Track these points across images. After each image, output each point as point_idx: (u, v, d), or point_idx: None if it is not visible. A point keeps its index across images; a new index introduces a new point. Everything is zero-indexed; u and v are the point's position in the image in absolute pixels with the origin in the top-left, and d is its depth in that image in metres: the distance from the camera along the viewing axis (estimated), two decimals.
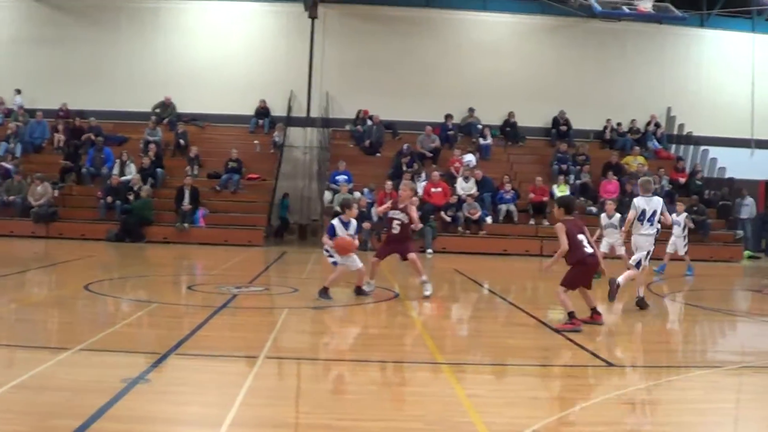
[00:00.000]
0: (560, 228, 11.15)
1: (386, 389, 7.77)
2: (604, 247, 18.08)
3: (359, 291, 13.92)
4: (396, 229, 14.20)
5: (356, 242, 13.66)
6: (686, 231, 20.98)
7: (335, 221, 13.70)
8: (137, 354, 8.72)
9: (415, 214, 14.58)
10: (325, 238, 13.54)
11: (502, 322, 12.77)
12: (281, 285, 16.87)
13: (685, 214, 21.10)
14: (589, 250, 11.29)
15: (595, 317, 11.47)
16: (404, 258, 14.29)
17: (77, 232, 26.20)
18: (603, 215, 18.96)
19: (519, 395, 7.62)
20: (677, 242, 20.90)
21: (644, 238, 13.66)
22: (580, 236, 11.23)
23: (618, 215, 18.67)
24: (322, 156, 31.17)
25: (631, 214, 13.77)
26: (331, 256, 13.50)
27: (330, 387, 8.00)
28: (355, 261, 13.53)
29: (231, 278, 16.93)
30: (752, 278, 20.53)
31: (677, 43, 34.38)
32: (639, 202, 13.85)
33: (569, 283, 11.23)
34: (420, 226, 17.65)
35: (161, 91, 31.79)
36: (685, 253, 20.82)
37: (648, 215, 13.61)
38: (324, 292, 13.31)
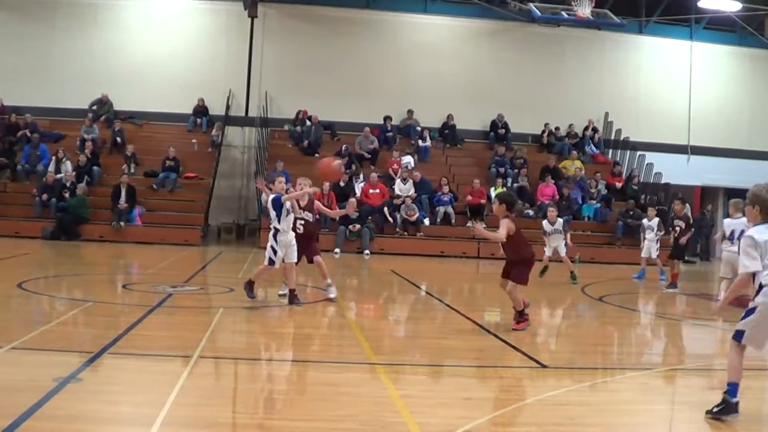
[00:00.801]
0: (507, 223, 11.11)
1: (319, 389, 7.74)
2: (548, 252, 18.46)
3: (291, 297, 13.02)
4: (300, 229, 13.33)
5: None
6: (659, 236, 21.17)
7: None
8: (70, 353, 8.62)
9: (325, 208, 14.45)
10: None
11: (437, 324, 12.80)
12: (217, 284, 16.79)
13: (657, 219, 21.31)
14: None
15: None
16: (310, 261, 13.62)
17: (12, 230, 25.77)
18: (545, 222, 19.15)
19: (452, 396, 7.64)
20: (651, 246, 21.10)
21: (731, 254, 14.63)
22: None
23: (560, 220, 18.94)
24: (260, 156, 31.03)
25: (720, 235, 15.37)
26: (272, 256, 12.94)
27: (264, 387, 7.97)
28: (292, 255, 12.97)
29: (167, 277, 16.77)
30: (687, 282, 20.80)
31: (616, 50, 34.77)
32: (727, 223, 15.40)
33: (525, 279, 11.29)
34: (339, 213, 17.71)
35: (98, 88, 31.39)
36: (657, 257, 21.03)
37: (737, 235, 14.44)
38: (249, 288, 13.16)
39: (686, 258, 20.02)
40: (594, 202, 29.53)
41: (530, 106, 33.35)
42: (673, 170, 32.95)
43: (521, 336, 10.91)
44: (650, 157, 33.29)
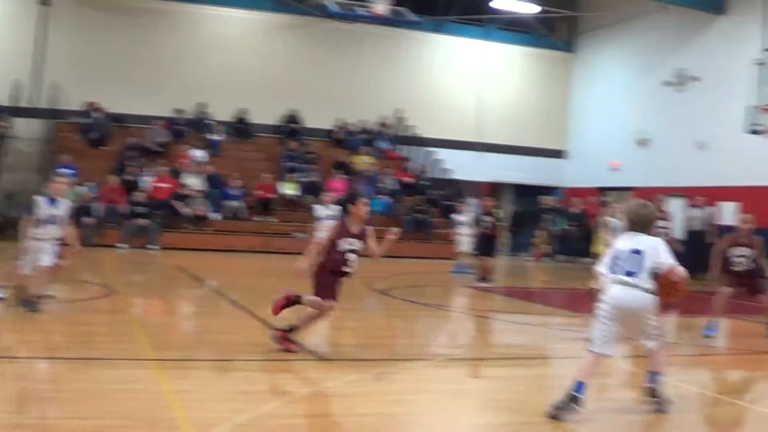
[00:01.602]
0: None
1: (95, 387, 7.46)
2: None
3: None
4: None
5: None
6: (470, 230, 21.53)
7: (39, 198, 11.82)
8: None
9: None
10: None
11: (221, 319, 12.62)
12: None
13: (470, 214, 21.66)
14: None
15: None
16: None
17: None
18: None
19: (229, 390, 7.57)
20: (464, 240, 21.43)
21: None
22: None
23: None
24: (46, 148, 29.88)
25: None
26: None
27: (35, 386, 7.66)
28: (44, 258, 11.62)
29: None
30: (507, 276, 21.39)
31: (411, 47, 35.22)
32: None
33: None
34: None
35: None
36: (470, 252, 21.37)
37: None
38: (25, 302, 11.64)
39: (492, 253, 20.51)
40: (384, 197, 29.86)
41: (324, 102, 33.39)
42: (463, 166, 33.75)
43: (305, 331, 10.87)
44: (441, 153, 33.96)
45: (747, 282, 12.52)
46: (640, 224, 7.44)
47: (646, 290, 7.14)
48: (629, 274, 7.17)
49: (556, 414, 6.93)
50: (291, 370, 8.78)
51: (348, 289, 16.94)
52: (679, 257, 7.52)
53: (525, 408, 7.52)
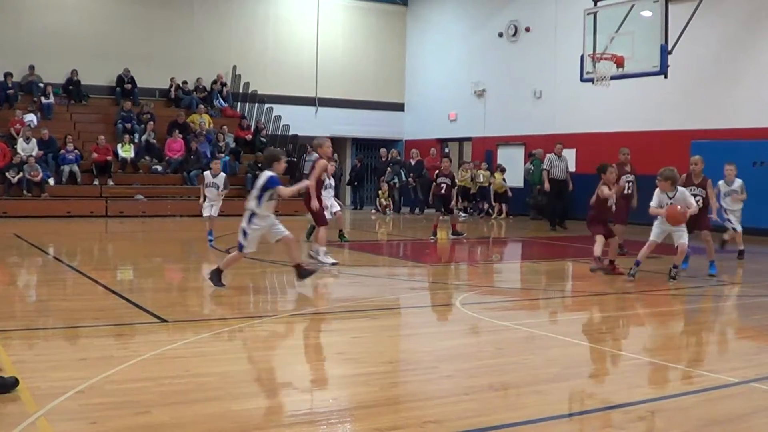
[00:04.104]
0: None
1: None
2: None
3: None
4: None
5: None
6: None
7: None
8: None
9: None
10: None
11: (60, 287, 12.45)
12: None
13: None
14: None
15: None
16: None
17: None
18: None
19: (67, 357, 7.55)
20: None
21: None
22: None
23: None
24: None
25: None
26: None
27: None
28: None
29: None
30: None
31: (245, 2, 34.96)
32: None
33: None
34: None
35: None
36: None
37: None
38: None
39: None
40: (223, 155, 29.74)
41: (157, 61, 32.92)
42: (301, 122, 33.89)
43: (144, 294, 10.90)
44: (278, 109, 33.99)
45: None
46: None
47: None
48: None
49: None
50: (126, 334, 8.75)
51: (190, 250, 17.04)
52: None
53: (371, 359, 7.77)
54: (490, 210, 30.43)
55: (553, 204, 25.18)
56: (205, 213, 18.34)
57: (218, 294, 11.26)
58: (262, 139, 31.99)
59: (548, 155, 25.40)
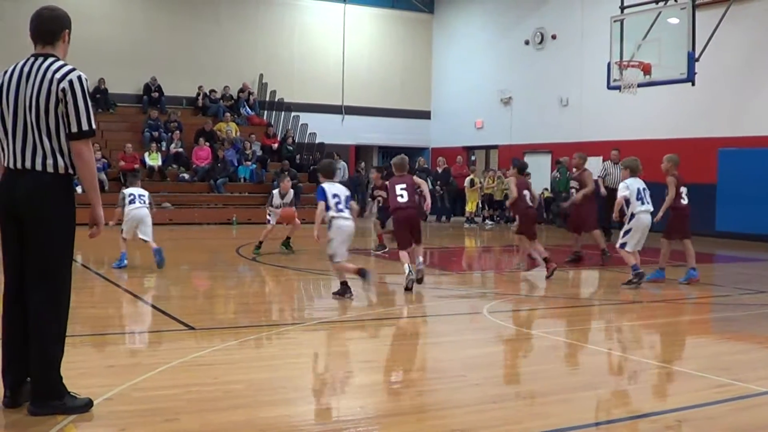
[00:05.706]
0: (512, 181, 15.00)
1: None
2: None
3: None
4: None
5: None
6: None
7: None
8: None
9: None
10: None
11: (86, 293, 12.47)
12: None
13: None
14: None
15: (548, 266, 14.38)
16: None
17: None
18: (276, 192, 18.51)
19: (95, 365, 7.57)
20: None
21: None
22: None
23: (292, 191, 18.56)
24: None
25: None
26: None
27: None
28: None
29: None
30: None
31: (271, 12, 35.01)
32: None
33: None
34: None
35: None
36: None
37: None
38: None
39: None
40: (249, 163, 29.84)
41: (184, 69, 33.05)
42: (327, 130, 33.93)
43: (172, 302, 10.94)
44: (305, 117, 34.04)
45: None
46: None
47: None
48: None
49: None
50: (153, 342, 8.82)
51: (217, 258, 17.07)
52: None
53: (398, 367, 7.78)
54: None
55: (607, 213, 24.67)
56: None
57: (245, 302, 11.32)
58: (288, 147, 32.06)
59: (604, 162, 24.48)
